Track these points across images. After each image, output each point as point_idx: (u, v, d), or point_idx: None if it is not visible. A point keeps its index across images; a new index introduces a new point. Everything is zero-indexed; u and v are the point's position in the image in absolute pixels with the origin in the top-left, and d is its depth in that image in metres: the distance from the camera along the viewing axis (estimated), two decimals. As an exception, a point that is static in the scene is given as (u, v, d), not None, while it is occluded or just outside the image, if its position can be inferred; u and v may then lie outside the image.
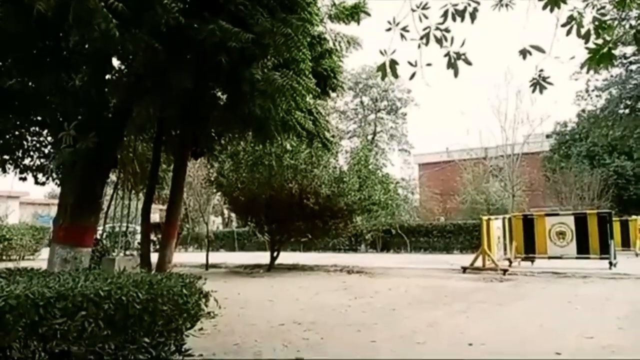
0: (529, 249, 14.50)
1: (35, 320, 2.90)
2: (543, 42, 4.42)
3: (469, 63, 4.54)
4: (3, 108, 6.75)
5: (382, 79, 4.93)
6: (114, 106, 7.55)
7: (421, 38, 4.59)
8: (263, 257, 16.86)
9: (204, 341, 5.61)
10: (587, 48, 4.44)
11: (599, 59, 4.28)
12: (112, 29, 4.34)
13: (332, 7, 8.22)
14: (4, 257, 19.19)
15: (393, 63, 4.44)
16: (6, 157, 9.21)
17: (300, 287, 11.00)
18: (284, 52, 6.31)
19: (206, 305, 4.38)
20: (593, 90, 27.30)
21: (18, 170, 9.44)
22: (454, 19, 4.67)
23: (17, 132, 8.94)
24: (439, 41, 4.57)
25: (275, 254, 15.55)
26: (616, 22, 5.09)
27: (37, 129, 8.97)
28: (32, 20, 4.33)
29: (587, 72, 5.24)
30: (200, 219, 23.27)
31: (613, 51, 4.40)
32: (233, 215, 28.01)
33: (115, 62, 7.56)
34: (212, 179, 15.99)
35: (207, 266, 15.94)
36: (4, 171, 9.35)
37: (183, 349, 4.04)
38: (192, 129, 9.12)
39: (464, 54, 4.51)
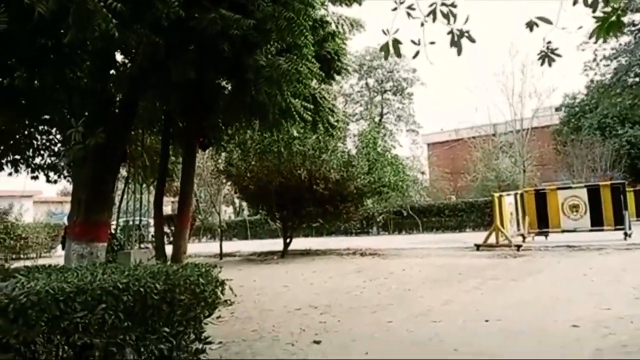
0: (542, 224, 14.45)
1: (57, 314, 2.95)
2: (549, 13, 4.35)
3: (472, 40, 4.48)
4: (11, 108, 6.80)
5: (385, 58, 4.89)
6: (121, 101, 7.58)
7: (427, 15, 4.54)
8: (276, 244, 16.97)
9: (222, 329, 5.69)
10: (595, 17, 4.36)
11: (607, 27, 4.20)
12: (112, 29, 4.33)
13: (334, -11, 8.14)
14: (22, 256, 19.50)
15: (396, 42, 4.39)
16: (17, 156, 9.33)
17: (314, 271, 11.08)
18: (286, 37, 6.26)
19: (222, 294, 4.43)
20: (601, 60, 26.86)
21: (30, 169, 9.56)
22: (459, -7, 4.60)
23: (26, 132, 9.04)
24: (446, 17, 4.50)
25: (287, 240, 15.64)
26: (623, -11, 4.99)
27: (46, 127, 9.06)
28: (32, 21, 4.34)
29: (596, 41, 5.14)
30: (212, 209, 23.39)
31: (622, 19, 4.32)
32: (244, 203, 28.14)
33: (119, 56, 7.57)
34: (222, 168, 16.05)
35: (221, 255, 16.09)
36: (16, 171, 9.48)
37: (202, 337, 4.09)
38: (198, 119, 9.13)
39: (467, 32, 4.45)
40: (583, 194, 14.08)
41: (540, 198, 14.61)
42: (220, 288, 4.29)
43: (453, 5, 4.55)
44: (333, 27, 8.35)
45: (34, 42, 5.65)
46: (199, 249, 18.75)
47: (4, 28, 4.27)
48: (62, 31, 5.04)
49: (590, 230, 13.70)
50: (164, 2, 4.85)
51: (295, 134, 11.31)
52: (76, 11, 4.21)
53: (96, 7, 4.23)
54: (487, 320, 5.76)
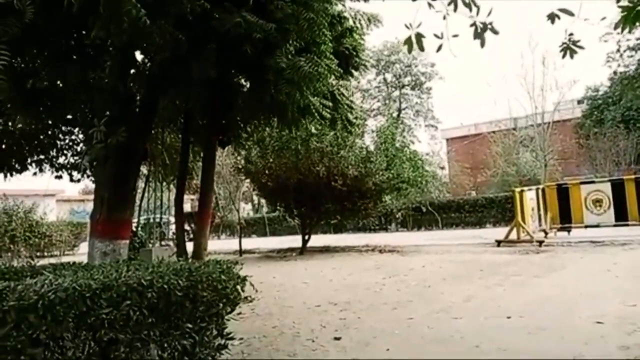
0: (565, 219, 14.20)
1: (84, 310, 3.01)
2: (570, 4, 4.28)
3: (495, 32, 4.44)
4: (35, 109, 6.94)
5: (409, 52, 4.87)
6: (141, 100, 7.68)
7: (449, 4, 4.50)
8: (294, 241, 17.02)
9: (243, 325, 5.74)
10: (620, 7, 4.27)
11: (633, 17, 4.11)
12: (143, 17, 4.35)
13: (351, -15, 8.11)
14: (46, 253, 19.93)
15: (419, 36, 4.37)
16: (42, 157, 9.53)
17: (333, 268, 11.09)
18: (306, 36, 6.27)
19: (243, 290, 4.47)
20: (625, 51, 26.31)
21: (53, 169, 9.76)
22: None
23: (50, 132, 9.23)
24: (467, 5, 4.46)
25: (306, 236, 15.67)
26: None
27: (68, 127, 9.23)
28: (59, 15, 4.39)
29: (621, 32, 5.06)
30: (231, 206, 23.59)
31: (649, 8, 4.22)
32: (263, 200, 28.28)
33: (138, 56, 7.66)
34: (240, 166, 16.16)
35: (240, 252, 16.21)
36: (41, 171, 9.69)
37: (224, 333, 4.13)
38: (218, 117, 9.21)
39: (490, 23, 4.41)
40: (607, 188, 13.78)
41: (563, 193, 14.36)
42: (241, 284, 4.32)
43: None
44: (350, 22, 8.32)
45: (58, 42, 5.74)
46: (218, 245, 18.92)
47: (30, 19, 4.26)
48: (84, 32, 5.12)
49: (615, 226, 13.43)
50: None
51: (314, 130, 11.32)
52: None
53: None
54: (509, 317, 5.71)
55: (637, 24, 4.31)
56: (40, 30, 4.88)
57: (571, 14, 4.29)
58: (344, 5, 8.17)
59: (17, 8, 3.76)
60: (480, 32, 4.43)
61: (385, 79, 40.78)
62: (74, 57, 6.10)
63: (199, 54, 6.21)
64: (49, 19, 4.81)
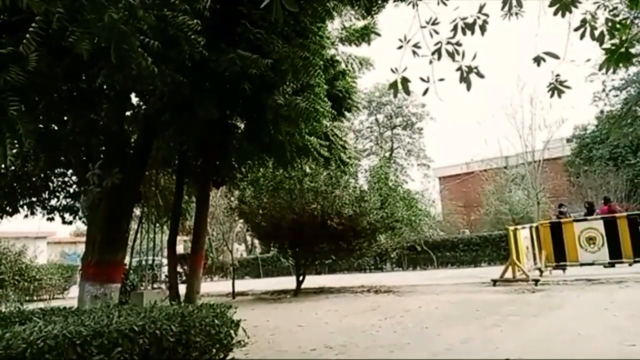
0: (559, 257, 14.14)
1: (74, 358, 2.94)
2: (555, 46, 4.42)
3: (481, 76, 4.55)
4: (33, 152, 6.96)
5: (395, 96, 5.00)
6: (135, 142, 7.73)
7: (433, 53, 4.64)
8: (289, 282, 16.78)
9: (237, 371, 5.58)
10: (603, 49, 4.42)
11: (616, 59, 4.25)
12: (150, 66, 4.45)
13: (343, 31, 8.35)
14: (35, 297, 19.48)
15: (405, 80, 4.47)
16: (34, 199, 9.47)
17: (328, 310, 10.90)
18: (302, 77, 6.42)
19: (236, 334, 4.38)
20: (610, 90, 27.00)
21: (45, 211, 9.69)
22: (464, 33, 4.71)
23: (42, 175, 9.22)
24: (451, 55, 4.61)
25: (300, 277, 15.48)
26: (629, 21, 5.07)
27: (61, 169, 9.22)
28: (63, 63, 4.47)
29: (606, 72, 5.23)
30: (224, 247, 23.37)
31: (630, 50, 4.37)
32: (256, 241, 28.07)
33: (134, 98, 7.76)
34: (234, 206, 16.10)
35: (233, 294, 15.93)
36: (32, 213, 9.61)
37: (218, 380, 4.03)
38: (213, 159, 9.26)
39: (475, 67, 4.53)
40: (599, 225, 13.79)
41: (556, 230, 14.34)
42: (234, 329, 4.24)
43: (458, 44, 4.65)
44: (343, 66, 8.53)
45: (59, 88, 5.82)
46: (211, 288, 18.62)
47: (34, 67, 4.32)
48: (84, 77, 5.19)
49: (609, 263, 13.37)
50: (190, 42, 4.99)
51: (308, 170, 11.38)
52: (116, 50, 4.32)
53: (133, 45, 4.34)
54: (507, 359, 5.60)
55: (620, 64, 4.46)
56: (43, 76, 4.94)
57: (556, 57, 4.42)
58: (336, 49, 8.39)
59: (24, 54, 3.80)
60: (465, 76, 4.54)
61: (377, 120, 41.37)
62: (75, 101, 6.16)
63: (201, 95, 6.31)
64: (52, 66, 4.88)
